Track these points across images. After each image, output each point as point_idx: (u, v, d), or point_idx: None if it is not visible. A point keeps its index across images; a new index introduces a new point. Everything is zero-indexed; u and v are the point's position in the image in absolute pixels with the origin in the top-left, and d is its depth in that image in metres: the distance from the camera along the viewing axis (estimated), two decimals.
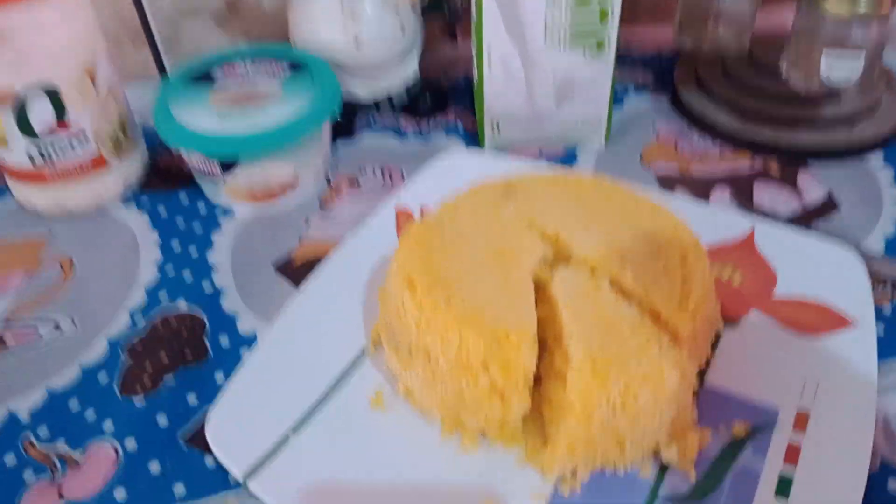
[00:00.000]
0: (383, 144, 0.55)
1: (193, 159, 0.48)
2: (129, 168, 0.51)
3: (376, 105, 0.58)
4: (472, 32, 0.50)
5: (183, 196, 0.51)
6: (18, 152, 0.46)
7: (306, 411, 0.37)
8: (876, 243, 0.46)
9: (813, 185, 0.50)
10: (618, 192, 0.40)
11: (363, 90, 0.56)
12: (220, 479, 0.35)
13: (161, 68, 0.60)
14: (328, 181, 0.52)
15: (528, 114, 0.52)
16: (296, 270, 0.45)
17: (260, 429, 0.36)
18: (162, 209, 0.50)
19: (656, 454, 0.34)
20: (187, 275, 0.45)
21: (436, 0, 0.53)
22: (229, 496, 0.34)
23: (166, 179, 0.53)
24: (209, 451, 0.35)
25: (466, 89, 0.60)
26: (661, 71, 0.61)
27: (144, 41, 0.58)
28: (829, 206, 0.48)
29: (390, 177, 0.52)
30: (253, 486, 0.33)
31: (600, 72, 0.50)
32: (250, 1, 0.58)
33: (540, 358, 0.34)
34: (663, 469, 0.34)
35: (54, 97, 0.45)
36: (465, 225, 0.38)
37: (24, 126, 0.45)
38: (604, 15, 0.47)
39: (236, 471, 0.34)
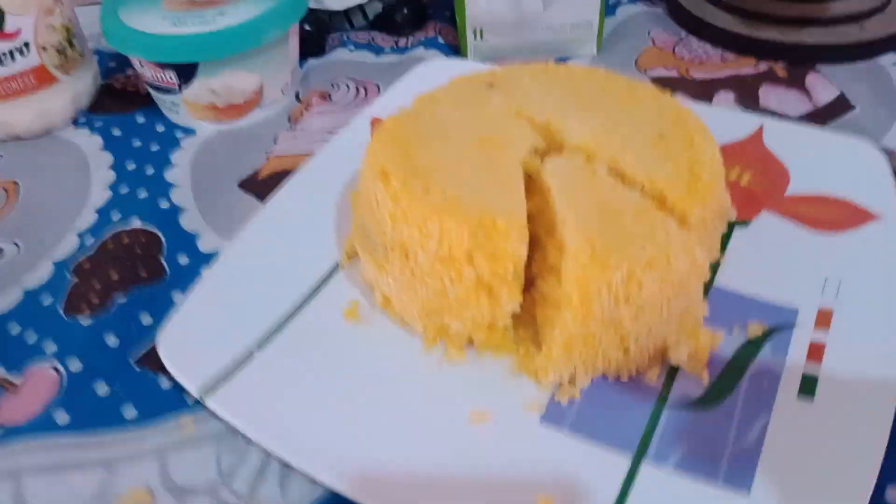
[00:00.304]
0: (357, 59, 0.51)
1: (148, 71, 0.44)
2: (79, 86, 0.46)
3: (349, 21, 0.53)
4: None
5: (140, 117, 0.47)
6: None
7: (272, 326, 0.33)
8: (894, 142, 0.42)
9: (823, 85, 0.46)
10: (614, 79, 0.36)
11: (335, 1, 0.51)
12: (175, 399, 0.31)
13: None
14: (297, 97, 0.48)
15: (513, 18, 0.48)
16: (261, 184, 0.41)
17: (220, 344, 0.32)
18: (116, 130, 0.46)
19: (664, 357, 0.31)
20: (142, 193, 0.41)
21: None
22: (185, 417, 0.31)
23: (121, 101, 0.49)
24: (163, 371, 0.31)
25: (444, 2, 0.56)
26: None
27: None
28: (841, 106, 0.45)
29: (365, 91, 0.48)
30: (211, 403, 0.30)
31: None
32: None
33: (531, 256, 0.31)
34: (672, 373, 0.31)
35: None
36: (445, 116, 0.34)
37: None
38: None
39: (192, 387, 0.30)
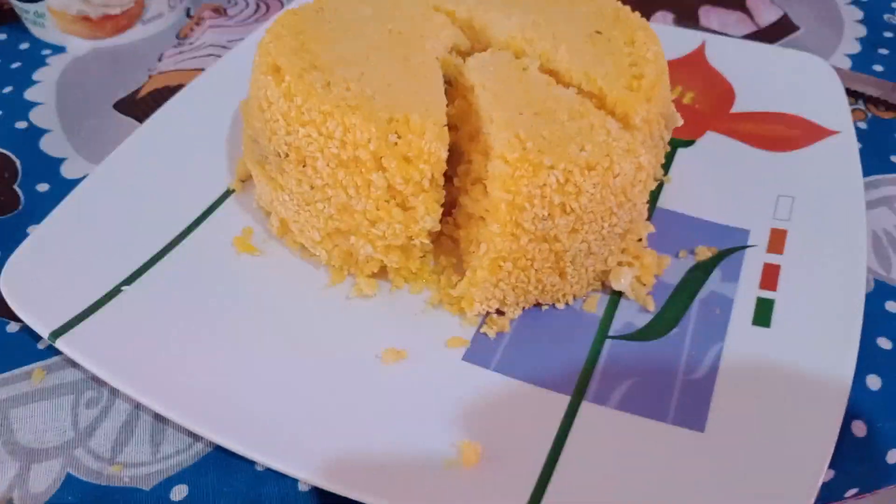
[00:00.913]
0: None
1: None
2: None
3: None
4: None
5: (1, 34, 0.40)
6: None
7: (145, 259, 0.27)
8: (841, 62, 0.39)
9: (765, 6, 0.43)
10: None
11: None
12: (24, 346, 0.26)
13: None
14: (188, 13, 0.42)
15: None
16: (140, 104, 0.36)
17: (78, 280, 0.26)
18: None
19: (604, 282, 0.27)
20: None
21: None
22: (35, 366, 0.25)
23: None
24: (9, 313, 0.26)
25: None
26: None
27: None
28: (785, 27, 0.42)
29: (266, 7, 0.43)
30: (63, 344, 0.24)
31: None
32: None
33: (452, 170, 0.26)
34: (613, 301, 0.27)
35: None
36: (353, 10, 0.29)
37: None
38: None
39: (42, 327, 0.25)
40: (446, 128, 0.24)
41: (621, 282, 0.26)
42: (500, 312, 0.26)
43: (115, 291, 0.26)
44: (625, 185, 0.24)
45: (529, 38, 0.28)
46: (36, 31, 0.40)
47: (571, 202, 0.23)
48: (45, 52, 0.39)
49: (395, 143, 0.24)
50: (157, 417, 0.24)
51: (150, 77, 0.37)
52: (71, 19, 0.39)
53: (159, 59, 0.39)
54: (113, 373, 0.24)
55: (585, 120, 0.25)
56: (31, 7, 0.38)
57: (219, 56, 0.38)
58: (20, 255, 0.27)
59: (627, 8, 0.30)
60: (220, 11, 0.42)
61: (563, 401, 0.24)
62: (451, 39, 0.28)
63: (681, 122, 0.28)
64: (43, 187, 0.32)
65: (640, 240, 0.27)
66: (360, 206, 0.25)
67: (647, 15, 0.42)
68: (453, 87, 0.27)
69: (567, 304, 0.26)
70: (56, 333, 0.24)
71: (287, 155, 0.25)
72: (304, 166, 0.25)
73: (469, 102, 0.26)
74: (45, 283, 0.26)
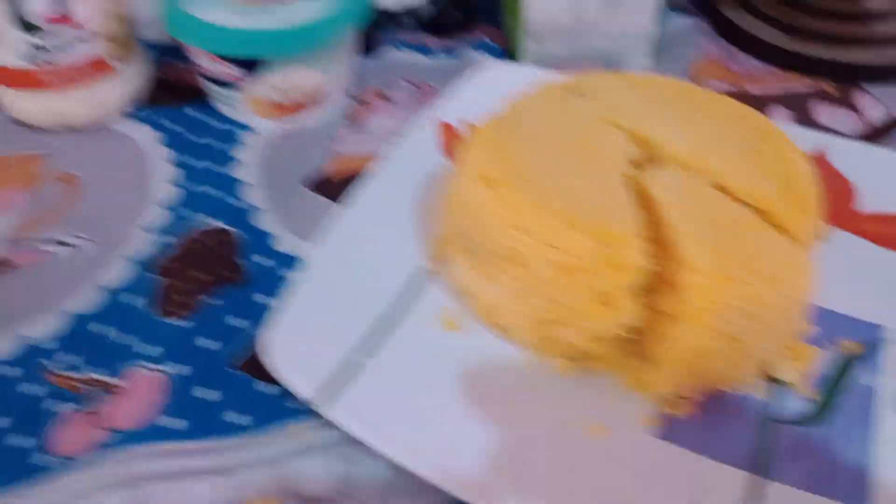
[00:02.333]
0: (409, 60, 0.51)
1: (209, 64, 0.43)
2: (134, 76, 0.45)
3: (395, 20, 0.53)
4: None
5: (192, 111, 0.46)
6: (12, 49, 0.40)
7: (374, 334, 0.33)
8: None
9: (872, 104, 0.47)
10: (697, 90, 0.37)
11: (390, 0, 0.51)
12: (284, 406, 0.31)
13: None
14: (353, 96, 0.47)
15: (570, 24, 0.48)
16: (331, 186, 0.41)
17: (324, 352, 0.31)
18: (171, 124, 0.45)
19: (769, 372, 0.31)
20: (211, 191, 0.40)
21: None
22: (297, 425, 0.30)
23: (172, 93, 0.47)
24: (266, 377, 0.31)
25: (490, 4, 0.55)
26: None
27: None
28: (893, 125, 0.46)
29: (423, 93, 0.48)
30: (329, 411, 0.29)
31: None
32: None
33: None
34: (776, 388, 0.31)
35: None
36: (538, 124, 0.34)
37: (21, 15, 0.39)
38: None
39: (307, 394, 0.30)
40: (646, 242, 0.29)
41: (786, 372, 0.31)
42: (683, 395, 0.31)
43: (356, 364, 0.31)
44: (799, 294, 0.29)
45: (699, 155, 0.33)
46: (224, 110, 0.46)
47: (756, 311, 0.28)
48: (238, 131, 0.45)
49: (605, 254, 0.29)
50: (406, 474, 0.29)
51: (334, 159, 0.43)
52: (262, 104, 0.44)
53: (337, 141, 0.44)
54: (372, 435, 0.29)
55: (762, 235, 0.29)
56: (227, 92, 0.44)
57: (390, 141, 0.43)
58: (275, 332, 0.32)
59: (768, 119, 0.35)
60: (382, 96, 0.47)
61: (743, 478, 0.28)
62: (628, 153, 0.33)
63: (826, 231, 0.32)
64: (260, 260, 0.37)
65: (799, 334, 0.32)
66: (568, 303, 0.30)
67: (762, 110, 0.47)
68: (636, 193, 0.32)
69: (738, 389, 0.31)
70: (320, 400, 0.29)
71: (504, 257, 0.30)
72: (519, 267, 0.30)
73: (653, 214, 0.31)
74: (298, 357, 0.31)
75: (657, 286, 0.31)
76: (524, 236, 0.30)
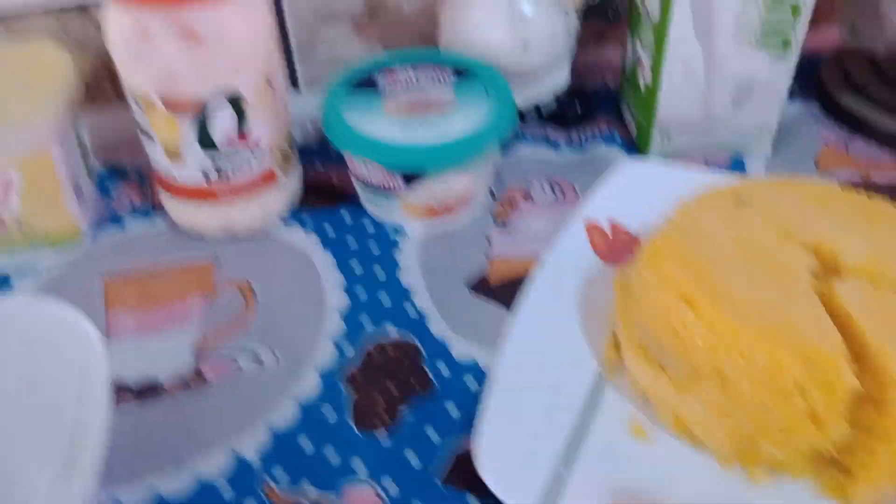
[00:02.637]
0: (539, 156, 0.53)
1: (371, 173, 0.45)
2: (293, 183, 0.48)
3: (520, 114, 0.55)
4: (650, 34, 0.48)
5: (345, 214, 0.48)
6: (193, 167, 0.43)
7: (569, 445, 0.34)
8: None
9: None
10: (853, 196, 0.39)
11: (517, 97, 0.53)
12: None
13: (293, 78, 0.57)
14: (495, 194, 0.49)
15: (701, 119, 0.50)
16: (494, 291, 0.43)
17: (532, 466, 0.33)
18: (328, 228, 0.47)
19: None
20: (384, 298, 0.42)
21: (600, 1, 0.51)
22: None
23: (321, 196, 0.50)
24: (470, 489, 0.32)
25: (607, 96, 0.58)
26: (805, 72, 0.59)
27: (280, 47, 0.54)
28: None
29: (562, 191, 0.50)
30: None
31: (781, 72, 0.48)
32: (390, 5, 0.55)
33: None
34: None
35: (237, 105, 0.41)
36: (715, 237, 0.36)
37: (205, 138, 0.42)
38: (796, 11, 0.45)
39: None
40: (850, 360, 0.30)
41: None
42: None
43: (559, 476, 0.33)
44: None
45: (880, 265, 0.34)
46: (376, 212, 0.48)
47: None
48: (392, 234, 0.47)
49: (816, 374, 0.30)
50: None
51: (491, 262, 0.45)
52: (418, 208, 0.46)
53: (489, 242, 0.46)
54: None
55: None
56: (384, 199, 0.46)
57: (542, 242, 0.45)
58: (481, 445, 0.33)
59: None
60: (526, 196, 0.49)
61: None
62: (809, 264, 0.35)
63: None
64: (442, 368, 0.39)
65: None
66: (776, 420, 0.31)
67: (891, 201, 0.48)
68: (828, 311, 0.34)
69: None
70: None
71: (707, 375, 0.32)
72: (723, 385, 0.32)
73: (847, 327, 0.32)
74: (505, 470, 0.33)
75: (861, 401, 0.32)
76: (731, 357, 0.31)
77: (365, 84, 0.48)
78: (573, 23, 0.51)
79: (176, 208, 0.46)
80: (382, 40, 0.56)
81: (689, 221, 0.37)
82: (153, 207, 0.49)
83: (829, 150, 0.52)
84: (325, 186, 0.50)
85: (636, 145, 0.53)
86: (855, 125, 0.54)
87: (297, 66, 0.56)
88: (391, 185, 0.45)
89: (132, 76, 0.40)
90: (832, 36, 0.57)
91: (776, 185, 0.40)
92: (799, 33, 0.46)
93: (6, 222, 0.43)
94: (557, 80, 0.54)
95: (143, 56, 0.39)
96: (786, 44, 0.47)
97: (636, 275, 0.37)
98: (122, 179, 0.51)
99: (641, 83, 0.51)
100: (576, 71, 0.58)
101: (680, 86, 0.49)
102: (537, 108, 0.55)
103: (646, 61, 0.49)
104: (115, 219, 0.48)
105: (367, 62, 0.49)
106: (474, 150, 0.44)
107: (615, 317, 0.38)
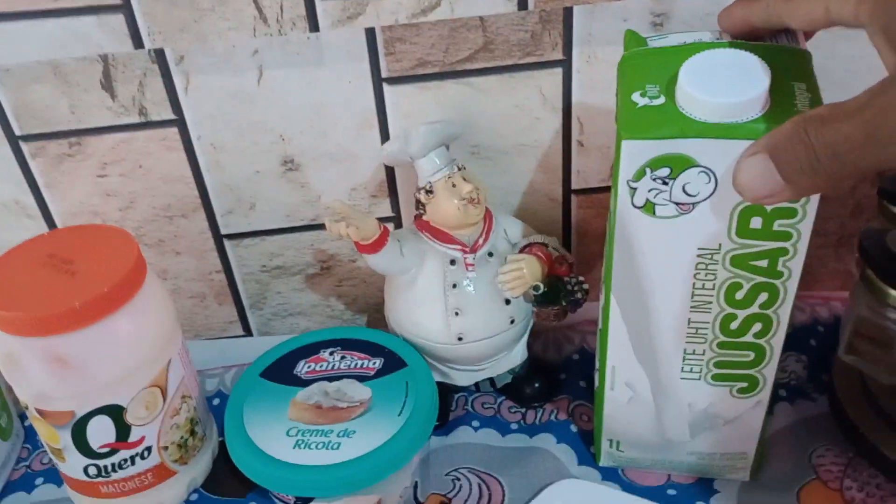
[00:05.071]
0: (481, 441, 0.48)
1: None
2: (196, 470, 0.45)
3: (476, 385, 0.50)
4: (598, 342, 0.42)
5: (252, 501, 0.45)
6: (75, 467, 0.41)
7: None
8: None
9: None
10: None
11: (462, 378, 0.49)
12: None
13: (245, 326, 0.55)
14: (416, 499, 0.45)
15: (654, 439, 0.44)
16: None
17: None
18: None
19: None
20: None
21: (552, 292, 0.46)
22: None
23: (236, 479, 0.46)
24: None
25: (582, 363, 0.52)
26: (820, 357, 0.51)
27: (230, 299, 0.53)
28: None
29: (489, 498, 0.44)
30: None
31: (750, 409, 0.41)
32: (343, 261, 0.53)
33: None
34: None
35: (117, 417, 0.40)
36: None
37: (82, 445, 0.40)
38: (759, 359, 0.38)
39: None
40: None
41: None
42: None
43: None
44: None
45: None
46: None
47: None
48: None
49: None
50: None
51: None
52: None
53: None
54: None
55: None
56: None
57: None
58: None
59: None
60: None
61: None
62: None
63: None
64: None
65: None
66: None
67: None
68: None
69: None
70: None
71: None
72: None
73: None
74: None
75: None
76: None
77: (282, 367, 0.45)
78: (519, 310, 0.46)
79: (73, 495, 0.44)
80: (336, 292, 0.54)
81: None
82: None
83: (818, 484, 0.44)
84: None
85: (593, 443, 0.47)
86: (864, 448, 0.45)
87: (249, 316, 0.54)
88: (282, 498, 0.42)
89: (12, 385, 0.40)
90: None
91: None
92: (768, 374, 0.39)
93: None
94: (513, 359, 0.49)
95: (14, 376, 0.38)
96: (751, 385, 0.40)
97: None
98: None
99: (596, 383, 0.45)
100: (545, 341, 0.53)
101: (625, 404, 0.42)
102: (491, 382, 0.50)
103: (597, 363, 0.44)
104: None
105: (295, 340, 0.47)
106: (369, 475, 0.40)
107: None
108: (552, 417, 0.49)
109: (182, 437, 0.44)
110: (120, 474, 0.42)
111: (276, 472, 0.40)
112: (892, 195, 0.43)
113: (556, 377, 0.51)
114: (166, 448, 0.43)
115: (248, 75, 0.45)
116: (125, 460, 0.41)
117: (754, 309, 0.36)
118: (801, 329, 0.53)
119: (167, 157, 0.46)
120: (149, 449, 0.42)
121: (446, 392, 0.49)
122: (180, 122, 0.45)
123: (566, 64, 0.45)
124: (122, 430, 0.40)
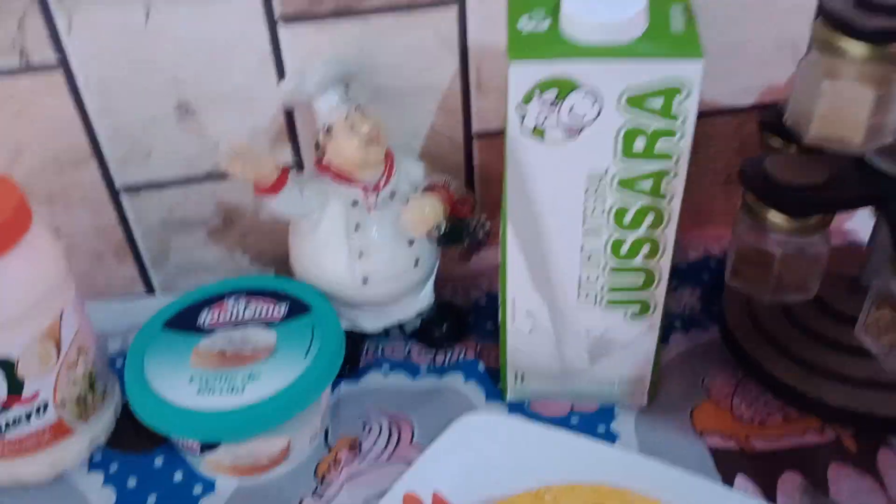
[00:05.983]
0: (391, 385, 0.48)
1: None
2: (97, 428, 0.44)
3: (385, 331, 0.51)
4: (499, 276, 0.43)
5: (158, 459, 0.44)
6: None
7: None
8: None
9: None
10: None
11: (370, 322, 0.49)
12: None
13: (147, 283, 0.54)
14: (326, 443, 0.45)
15: (556, 369, 0.45)
16: None
17: None
18: (132, 480, 0.43)
19: None
20: None
21: (454, 232, 0.46)
22: None
23: (141, 434, 0.46)
24: None
25: (489, 307, 0.53)
26: (712, 288, 0.54)
27: (129, 255, 0.52)
28: None
29: (398, 435, 0.45)
30: None
31: (643, 333, 0.43)
32: (247, 213, 0.52)
33: None
34: None
35: (9, 370, 0.38)
36: None
37: None
38: (649, 282, 0.40)
39: None
40: None
41: None
42: None
43: None
44: None
45: None
46: (190, 461, 0.44)
47: None
48: (197, 488, 0.43)
49: None
50: None
51: None
52: (224, 467, 0.42)
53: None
54: None
55: None
56: (188, 456, 0.42)
57: None
58: None
59: None
60: (353, 447, 0.44)
61: None
62: None
63: None
64: None
65: None
66: None
67: (773, 475, 0.42)
68: None
69: None
70: None
71: None
72: None
73: None
74: None
75: None
76: None
77: (185, 317, 0.44)
78: (424, 251, 0.47)
79: None
80: (241, 246, 0.53)
81: None
82: None
83: (710, 404, 0.46)
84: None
85: (500, 379, 0.48)
86: (752, 370, 0.48)
87: (151, 273, 0.53)
88: (189, 446, 0.41)
89: None
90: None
91: (576, 490, 0.35)
92: (658, 297, 0.41)
93: None
94: (420, 302, 0.50)
95: None
96: (644, 308, 0.41)
97: None
98: None
99: (500, 320, 0.46)
100: (452, 284, 0.54)
101: (527, 335, 0.44)
102: (401, 327, 0.51)
103: (500, 301, 0.45)
104: None
105: (198, 291, 0.46)
106: (273, 418, 0.40)
107: None
108: (460, 358, 0.50)
109: (81, 393, 0.42)
110: (15, 433, 0.40)
111: (179, 419, 0.39)
112: (771, 126, 0.46)
113: (465, 320, 0.52)
114: (64, 404, 0.41)
115: (134, 8, 0.43)
116: (19, 417, 0.40)
117: (642, 232, 0.38)
118: (694, 264, 0.56)
119: (52, 103, 0.44)
120: (45, 405, 0.41)
121: (357, 340, 0.50)
122: (64, 63, 0.44)
123: (460, 1, 0.45)
124: (15, 384, 0.39)
